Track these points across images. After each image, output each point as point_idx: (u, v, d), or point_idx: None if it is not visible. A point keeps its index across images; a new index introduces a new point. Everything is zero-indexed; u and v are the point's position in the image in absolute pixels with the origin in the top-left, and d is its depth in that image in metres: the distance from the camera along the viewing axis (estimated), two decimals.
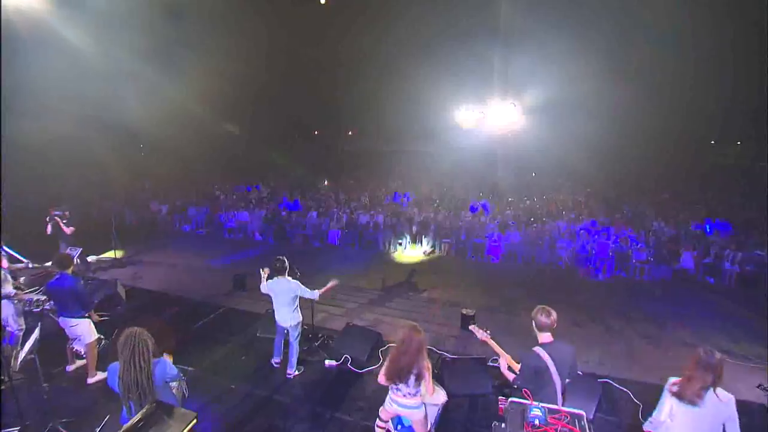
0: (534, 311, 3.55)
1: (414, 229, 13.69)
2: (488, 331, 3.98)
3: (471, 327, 4.20)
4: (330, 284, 5.58)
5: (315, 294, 5.37)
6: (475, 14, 23.77)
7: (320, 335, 6.64)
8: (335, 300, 8.67)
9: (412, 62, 26.32)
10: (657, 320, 8.20)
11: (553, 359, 3.37)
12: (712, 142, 34.06)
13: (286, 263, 5.44)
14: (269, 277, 5.42)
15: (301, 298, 5.43)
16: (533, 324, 3.59)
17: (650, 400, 4.00)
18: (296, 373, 5.67)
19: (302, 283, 5.45)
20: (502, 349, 3.87)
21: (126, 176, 18.98)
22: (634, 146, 28.40)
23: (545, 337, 3.50)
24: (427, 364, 3.61)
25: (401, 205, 15.78)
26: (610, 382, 5.69)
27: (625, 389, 5.57)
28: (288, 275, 5.39)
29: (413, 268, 11.26)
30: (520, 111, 27.81)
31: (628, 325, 7.98)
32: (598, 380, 5.44)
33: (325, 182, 19.70)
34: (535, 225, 12.79)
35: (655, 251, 10.78)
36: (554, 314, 3.48)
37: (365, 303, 8.79)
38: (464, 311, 6.87)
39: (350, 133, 39.10)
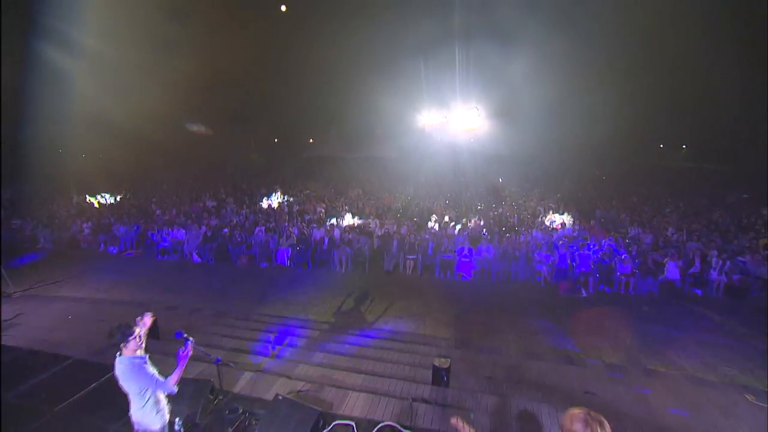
0: (570, 419, 1.97)
1: (375, 244, 12.10)
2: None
3: (453, 421, 2.64)
4: (185, 352, 3.42)
5: (168, 384, 3.35)
6: (437, 19, 22.73)
7: (238, 410, 4.59)
8: (272, 337, 6.87)
9: (375, 68, 25.46)
10: (657, 350, 6.92)
11: None
12: (661, 145, 34.97)
13: (132, 331, 3.27)
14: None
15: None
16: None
17: None
18: None
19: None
20: None
21: (47, 188, 16.41)
22: (592, 149, 28.34)
23: None
24: None
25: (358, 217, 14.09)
26: None
27: None
28: (140, 345, 3.31)
29: (373, 292, 9.74)
30: (484, 115, 27.43)
31: (629, 361, 6.59)
32: None
33: (278, 192, 17.60)
34: (508, 236, 11.42)
35: (640, 262, 9.64)
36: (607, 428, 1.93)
37: (309, 344, 7.01)
38: (437, 362, 5.24)
39: (311, 140, 37.61)
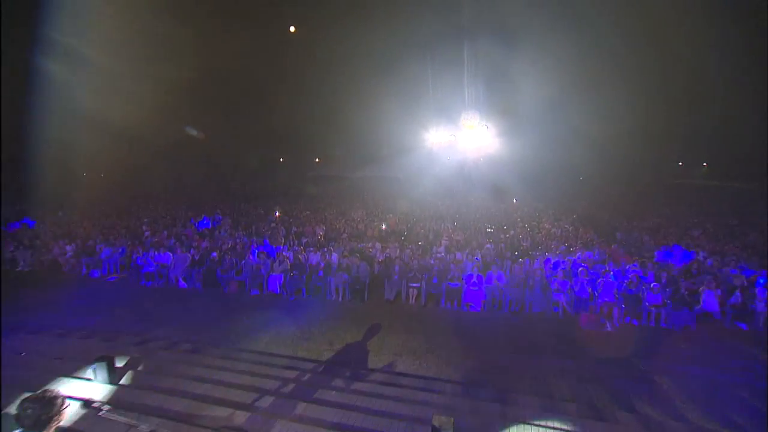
0: None
1: (376, 269, 11.22)
2: None
3: None
4: None
5: None
6: (446, 33, 22.61)
7: None
8: (245, 378, 5.92)
9: (383, 85, 25.51)
10: (704, 400, 5.83)
11: None
12: (680, 163, 34.17)
13: (49, 412, 2.41)
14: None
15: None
16: None
17: None
18: None
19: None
20: None
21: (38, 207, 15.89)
22: (608, 168, 27.65)
23: None
24: None
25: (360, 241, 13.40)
26: None
27: None
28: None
29: (370, 324, 8.84)
30: (494, 133, 26.89)
31: (671, 414, 5.51)
32: None
33: (276, 213, 16.94)
34: (521, 261, 10.52)
35: (671, 291, 8.61)
36: None
37: (293, 390, 6.04)
38: (436, 421, 4.25)
39: (317, 160, 37.45)
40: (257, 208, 18.60)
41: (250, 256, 11.59)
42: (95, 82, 16.41)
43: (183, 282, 11.00)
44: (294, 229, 15.23)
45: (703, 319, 8.49)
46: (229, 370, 6.79)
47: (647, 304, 8.64)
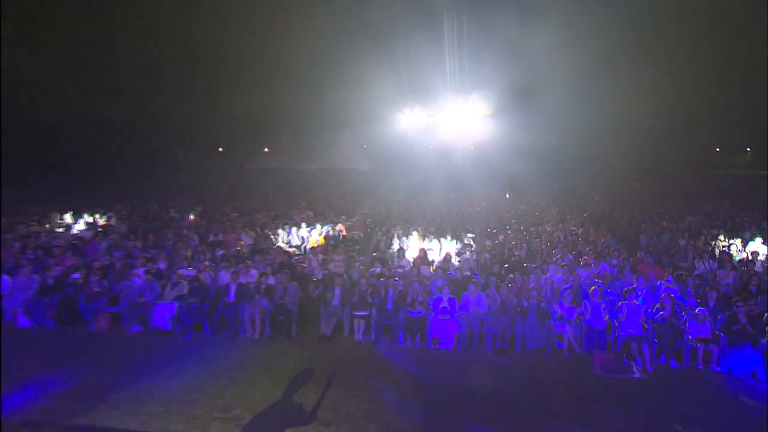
0: None
1: (313, 293, 10.01)
2: None
3: None
4: None
5: None
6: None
7: None
8: None
9: (342, 55, 24.51)
10: None
11: None
12: (718, 149, 34.37)
13: None
14: None
15: None
16: None
17: None
18: None
19: None
20: None
21: None
22: (629, 155, 27.50)
23: None
24: None
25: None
26: None
27: None
28: None
29: (292, 375, 7.65)
30: (486, 113, 26.06)
31: None
32: None
33: (191, 216, 16.11)
34: (512, 277, 9.64)
35: (725, 319, 7.81)
36: None
37: None
38: None
39: (265, 149, 36.62)
40: (168, 211, 17.25)
41: (134, 278, 10.00)
42: None
43: (25, 318, 9.36)
44: (211, 237, 13.92)
45: None
46: None
47: (690, 337, 7.72)
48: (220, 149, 36.89)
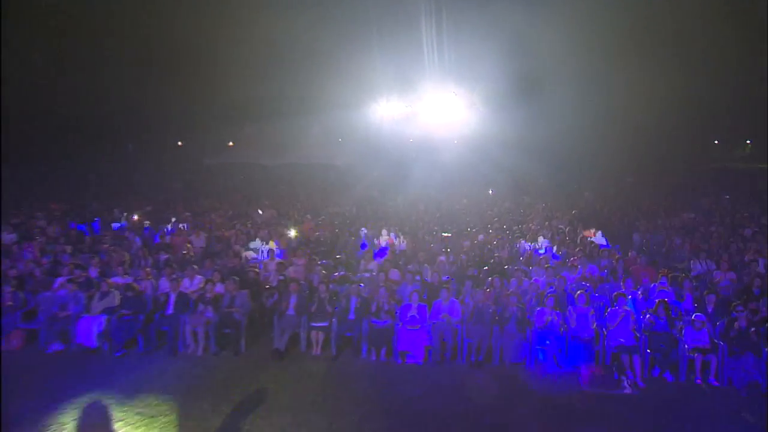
0: None
1: (268, 302, 9.77)
2: None
3: None
4: None
5: None
6: None
7: None
8: None
9: (314, 44, 24.85)
10: None
11: None
12: (716, 141, 34.97)
13: None
14: None
15: None
16: None
17: None
18: None
19: None
20: None
21: None
22: (620, 148, 28.42)
23: None
24: None
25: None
26: None
27: None
28: None
29: (244, 397, 7.49)
30: (466, 104, 26.08)
31: None
32: None
33: (134, 216, 15.85)
34: (491, 281, 9.54)
35: (725, 325, 7.72)
36: None
37: None
38: None
39: (230, 143, 36.65)
40: (112, 211, 16.93)
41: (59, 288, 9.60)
42: None
43: None
44: (157, 240, 13.68)
45: None
46: None
47: (686, 347, 7.56)
48: (180, 143, 36.25)
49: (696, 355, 7.48)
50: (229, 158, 28.37)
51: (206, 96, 28.36)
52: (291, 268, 11.05)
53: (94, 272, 10.39)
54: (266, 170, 25.92)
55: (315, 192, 21.68)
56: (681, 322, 7.88)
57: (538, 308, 8.40)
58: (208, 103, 28.73)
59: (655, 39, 23.79)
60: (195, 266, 10.67)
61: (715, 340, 7.58)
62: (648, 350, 7.72)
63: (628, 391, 7.39)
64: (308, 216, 16.31)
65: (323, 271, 10.70)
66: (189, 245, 12.64)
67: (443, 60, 24.03)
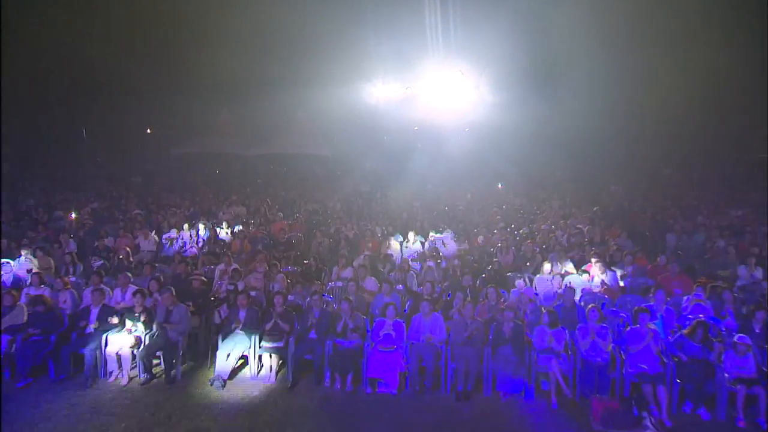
0: None
1: (215, 319, 9.49)
2: None
3: None
4: None
5: None
6: None
7: None
8: None
9: (298, 17, 25.18)
10: None
11: None
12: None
13: None
14: None
15: None
16: None
17: None
18: None
19: None
20: None
21: None
22: (655, 137, 28.81)
23: None
24: None
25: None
26: None
27: None
28: None
29: None
30: (473, 85, 25.94)
31: None
32: None
33: (72, 214, 15.85)
34: (487, 292, 9.25)
35: None
36: None
37: None
38: None
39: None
40: (44, 211, 17.14)
41: None
42: None
43: None
44: (95, 242, 13.46)
45: None
46: None
47: (727, 377, 7.13)
48: (148, 130, 36.54)
49: (739, 387, 7.04)
50: (201, 147, 28.62)
51: (176, 73, 28.52)
52: (251, 277, 10.76)
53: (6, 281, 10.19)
54: (244, 161, 26.15)
55: (296, 185, 21.86)
56: (720, 345, 7.42)
57: (539, 326, 8.02)
58: (178, 83, 28.85)
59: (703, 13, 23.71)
60: (129, 274, 10.37)
61: (764, 369, 7.13)
62: (677, 380, 7.34)
63: (650, 431, 6.92)
64: (280, 214, 16.37)
65: (288, 280, 10.39)
66: (128, 249, 12.48)
67: (448, 34, 23.97)
